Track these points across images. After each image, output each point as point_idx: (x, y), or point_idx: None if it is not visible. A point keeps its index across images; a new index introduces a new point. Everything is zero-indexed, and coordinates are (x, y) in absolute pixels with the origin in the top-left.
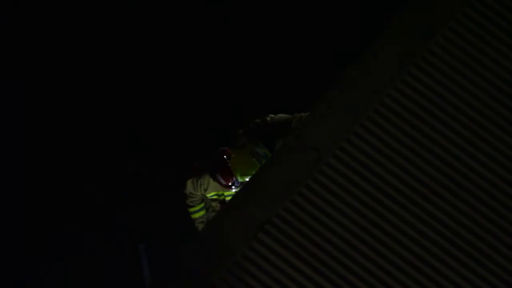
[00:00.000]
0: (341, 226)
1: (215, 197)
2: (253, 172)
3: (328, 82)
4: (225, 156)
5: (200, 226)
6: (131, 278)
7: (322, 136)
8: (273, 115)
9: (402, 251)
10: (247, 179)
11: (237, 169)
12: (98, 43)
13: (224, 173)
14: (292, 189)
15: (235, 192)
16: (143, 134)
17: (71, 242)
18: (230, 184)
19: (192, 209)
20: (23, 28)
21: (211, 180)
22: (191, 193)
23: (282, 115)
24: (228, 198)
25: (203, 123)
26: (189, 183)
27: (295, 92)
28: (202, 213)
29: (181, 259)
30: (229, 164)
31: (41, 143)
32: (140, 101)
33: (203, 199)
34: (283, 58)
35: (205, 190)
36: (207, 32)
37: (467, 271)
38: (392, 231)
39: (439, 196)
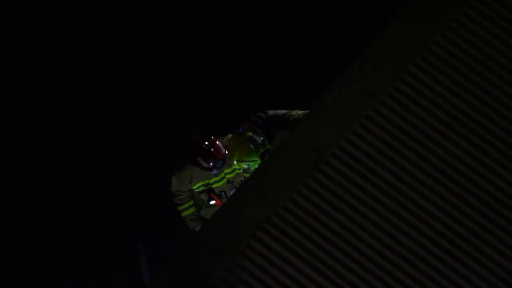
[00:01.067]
0: (340, 225)
1: (202, 188)
2: (250, 159)
3: (327, 81)
4: (202, 140)
5: (191, 224)
6: (130, 278)
7: (321, 135)
8: (273, 110)
9: (401, 250)
10: (244, 165)
11: (235, 154)
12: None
13: (204, 155)
14: (291, 188)
15: (220, 178)
16: (143, 134)
17: (70, 241)
18: (211, 165)
19: (181, 207)
20: (23, 27)
21: (193, 169)
22: (177, 190)
23: (282, 110)
24: (215, 186)
25: (204, 123)
26: (173, 180)
27: (294, 92)
28: (191, 210)
29: (180, 258)
30: (207, 146)
31: (44, 144)
32: (141, 100)
33: (194, 196)
34: (283, 57)
35: (190, 182)
36: (207, 32)
37: (467, 271)
38: (391, 230)
39: (439, 195)
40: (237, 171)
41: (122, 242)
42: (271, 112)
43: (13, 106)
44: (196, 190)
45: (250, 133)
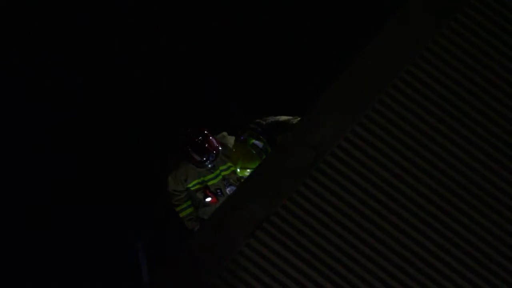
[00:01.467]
0: (339, 224)
1: (197, 186)
2: (253, 166)
3: (326, 81)
4: (195, 134)
5: (189, 224)
6: (130, 277)
7: (321, 134)
8: (273, 117)
9: (401, 250)
10: (246, 173)
11: (238, 162)
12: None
13: (196, 149)
14: (290, 187)
15: (215, 175)
16: (143, 134)
17: (69, 241)
18: (204, 159)
19: (179, 208)
20: (24, 27)
21: (188, 167)
22: (174, 190)
23: (283, 116)
24: (210, 183)
25: (204, 122)
26: (169, 179)
27: (294, 92)
28: (189, 210)
29: (180, 258)
30: (200, 140)
31: (44, 143)
32: (142, 100)
33: (191, 195)
34: (281, 58)
35: (186, 180)
36: (207, 34)
37: (467, 271)
38: (391, 230)
39: (439, 195)
40: (232, 169)
41: (122, 242)
42: (271, 118)
43: (12, 106)
44: (192, 189)
45: (253, 140)
